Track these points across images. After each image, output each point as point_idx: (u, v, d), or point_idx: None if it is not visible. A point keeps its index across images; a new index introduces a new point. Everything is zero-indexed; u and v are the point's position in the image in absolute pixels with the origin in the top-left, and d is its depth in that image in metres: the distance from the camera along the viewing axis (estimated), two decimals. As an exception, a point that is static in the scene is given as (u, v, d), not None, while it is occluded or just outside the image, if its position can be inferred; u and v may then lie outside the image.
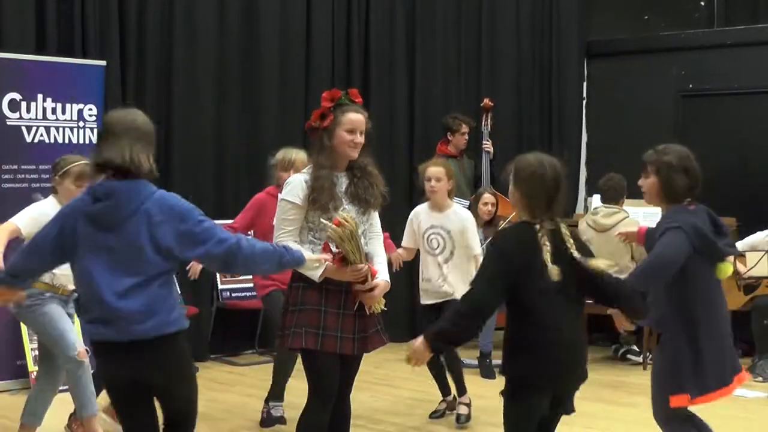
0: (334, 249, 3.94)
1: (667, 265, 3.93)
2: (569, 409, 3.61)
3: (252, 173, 7.82)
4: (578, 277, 3.48)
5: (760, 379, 6.86)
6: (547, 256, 3.42)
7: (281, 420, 5.56)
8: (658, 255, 3.97)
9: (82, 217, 3.32)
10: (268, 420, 5.62)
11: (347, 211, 4.03)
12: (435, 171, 5.81)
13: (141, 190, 3.33)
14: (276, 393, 5.63)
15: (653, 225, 7.75)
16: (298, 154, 5.65)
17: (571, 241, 3.51)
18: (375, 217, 4.19)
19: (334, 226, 3.87)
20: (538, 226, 3.48)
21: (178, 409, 3.52)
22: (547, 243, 3.44)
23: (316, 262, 3.80)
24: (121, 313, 3.24)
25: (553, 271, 3.38)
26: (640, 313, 3.78)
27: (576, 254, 3.47)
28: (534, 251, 3.44)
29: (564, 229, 3.53)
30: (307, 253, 3.72)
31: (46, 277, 4.72)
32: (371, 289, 4.01)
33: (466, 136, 8.41)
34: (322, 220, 3.95)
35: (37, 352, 6.40)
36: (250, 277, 7.79)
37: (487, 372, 7.14)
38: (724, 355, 4.07)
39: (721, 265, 4.04)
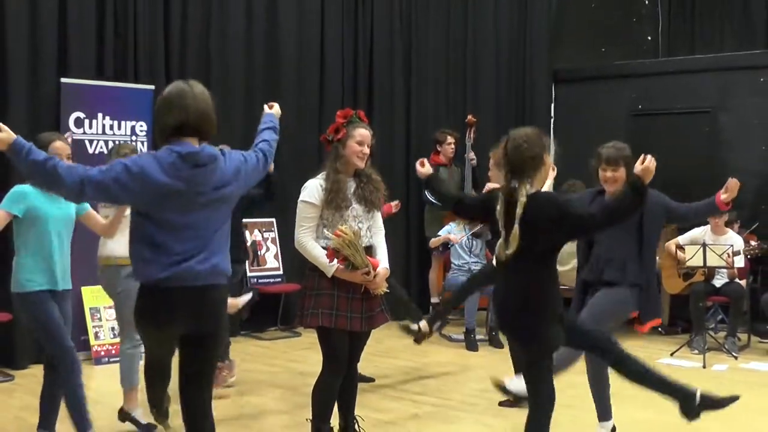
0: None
1: None
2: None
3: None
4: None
5: (696, 351, 6.87)
6: (500, 222, 3.42)
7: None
8: None
9: (177, 179, 3.01)
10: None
11: (355, 210, 4.07)
12: None
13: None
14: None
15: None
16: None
17: (523, 204, 3.34)
18: (377, 215, 4.22)
19: (334, 237, 3.93)
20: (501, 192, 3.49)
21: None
22: (500, 210, 3.43)
23: None
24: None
25: (500, 248, 3.41)
26: None
27: (517, 219, 3.34)
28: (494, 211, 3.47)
29: (522, 195, 3.37)
30: None
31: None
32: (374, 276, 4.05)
33: (452, 146, 8.43)
34: (325, 231, 3.99)
35: (96, 330, 6.47)
36: (276, 265, 7.85)
37: (471, 345, 7.16)
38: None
39: None
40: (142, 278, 3.11)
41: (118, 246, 4.55)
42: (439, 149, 8.47)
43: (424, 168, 3.93)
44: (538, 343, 3.47)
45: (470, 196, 4.13)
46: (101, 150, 6.61)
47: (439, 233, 7.62)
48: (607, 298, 4.20)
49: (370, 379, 5.84)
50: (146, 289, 3.12)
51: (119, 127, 6.72)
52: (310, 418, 4.13)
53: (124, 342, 4.74)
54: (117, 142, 4.93)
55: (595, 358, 4.26)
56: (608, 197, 3.57)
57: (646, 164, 3.50)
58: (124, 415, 4.76)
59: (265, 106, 3.75)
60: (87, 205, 4.23)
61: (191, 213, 3.08)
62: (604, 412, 4.42)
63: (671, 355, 6.88)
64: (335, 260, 3.94)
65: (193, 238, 3.09)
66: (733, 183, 4.25)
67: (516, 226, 3.35)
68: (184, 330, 3.15)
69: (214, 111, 3.19)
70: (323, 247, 4.00)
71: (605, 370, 4.31)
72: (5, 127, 2.90)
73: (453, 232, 7.63)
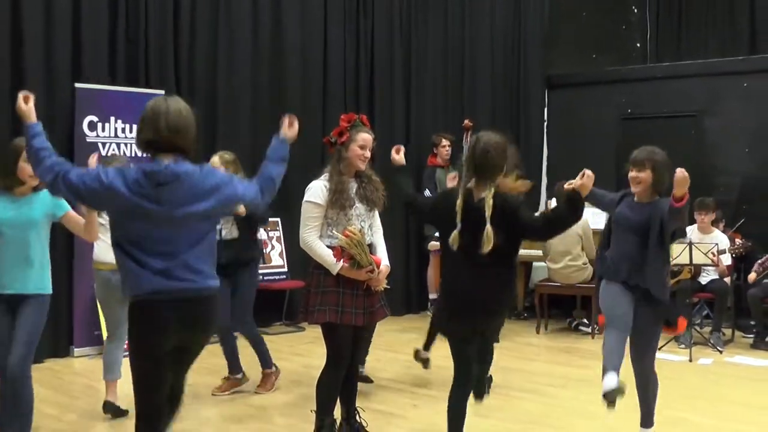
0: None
1: None
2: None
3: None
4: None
5: (683, 346, 6.87)
6: (458, 216, 3.53)
7: None
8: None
9: (140, 196, 2.95)
10: None
11: (358, 209, 4.08)
12: None
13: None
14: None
15: (600, 224, 7.63)
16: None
17: (491, 205, 3.46)
18: (377, 214, 4.23)
19: (343, 237, 3.92)
20: (460, 190, 3.59)
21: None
22: (459, 204, 3.53)
23: None
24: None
25: (454, 239, 3.51)
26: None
27: (488, 219, 3.44)
28: (452, 208, 3.56)
29: (489, 196, 3.48)
30: None
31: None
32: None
33: (447, 148, 8.43)
34: (334, 232, 3.99)
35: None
36: (281, 262, 7.85)
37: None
38: None
39: None
40: (128, 292, 3.02)
41: (108, 252, 4.59)
42: (435, 151, 8.48)
43: (398, 155, 3.99)
44: (497, 328, 3.86)
45: (423, 197, 4.11)
46: (113, 152, 6.61)
47: (436, 233, 7.60)
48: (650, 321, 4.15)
49: (369, 380, 5.72)
50: (135, 305, 3.02)
51: (131, 130, 6.71)
52: (314, 410, 4.14)
53: (112, 341, 4.83)
54: (112, 154, 4.86)
55: (643, 364, 4.19)
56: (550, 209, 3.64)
57: (584, 180, 3.45)
58: (109, 406, 4.79)
59: (284, 126, 3.53)
60: (65, 207, 4.02)
61: (160, 229, 2.99)
62: (647, 417, 4.27)
63: (659, 349, 6.83)
64: (341, 259, 3.95)
65: (165, 253, 2.99)
66: (679, 173, 3.88)
67: (488, 227, 3.44)
68: (176, 343, 3.05)
69: (192, 126, 3.08)
70: (328, 246, 4.00)
71: (653, 376, 4.21)
72: (32, 107, 3.21)
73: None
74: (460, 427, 3.75)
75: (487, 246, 3.44)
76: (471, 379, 3.74)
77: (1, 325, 3.90)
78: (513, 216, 3.51)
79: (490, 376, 5.32)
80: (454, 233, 3.52)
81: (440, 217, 3.72)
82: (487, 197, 3.47)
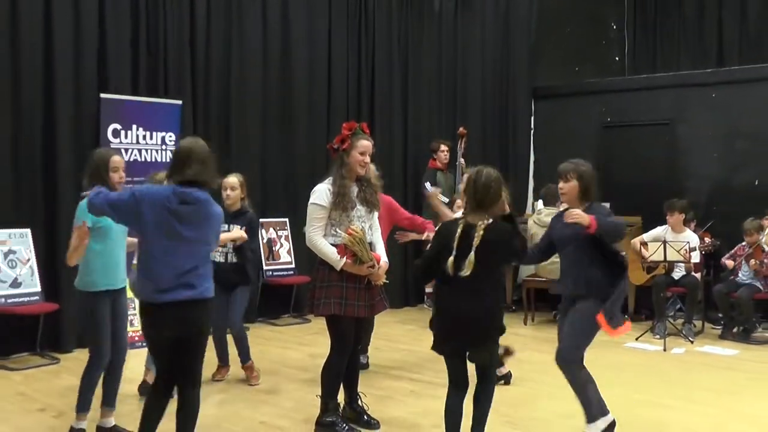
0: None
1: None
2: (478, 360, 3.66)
3: (287, 181, 7.87)
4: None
5: (658, 337, 6.89)
6: (453, 244, 3.47)
7: None
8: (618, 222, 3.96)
9: (165, 210, 3.20)
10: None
11: (359, 211, 4.10)
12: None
13: (210, 201, 3.35)
14: None
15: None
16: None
17: (480, 236, 3.43)
18: (376, 215, 4.25)
19: (346, 235, 3.94)
20: (460, 221, 3.55)
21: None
22: (458, 233, 3.49)
23: None
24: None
25: (449, 265, 3.44)
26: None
27: (474, 248, 3.42)
28: (451, 238, 3.50)
29: (481, 227, 3.45)
30: None
31: None
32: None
33: (445, 153, 8.46)
34: (338, 230, 4.01)
35: (131, 317, 6.45)
36: (289, 259, 7.87)
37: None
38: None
39: None
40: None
41: None
42: (434, 156, 8.52)
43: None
44: (492, 350, 3.72)
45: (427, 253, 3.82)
46: (135, 158, 6.63)
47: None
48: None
49: (364, 366, 5.67)
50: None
51: (151, 138, 6.73)
52: (319, 394, 4.17)
53: None
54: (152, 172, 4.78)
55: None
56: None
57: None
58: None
59: None
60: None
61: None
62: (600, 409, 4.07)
63: (636, 339, 6.90)
64: (344, 256, 3.98)
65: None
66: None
67: (471, 254, 3.43)
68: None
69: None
70: (333, 244, 4.02)
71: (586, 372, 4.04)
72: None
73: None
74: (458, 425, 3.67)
75: (467, 270, 3.43)
76: (463, 386, 3.70)
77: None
78: (505, 246, 3.52)
79: (509, 372, 5.34)
80: (451, 260, 3.46)
81: (444, 246, 3.56)
82: (479, 229, 3.47)
